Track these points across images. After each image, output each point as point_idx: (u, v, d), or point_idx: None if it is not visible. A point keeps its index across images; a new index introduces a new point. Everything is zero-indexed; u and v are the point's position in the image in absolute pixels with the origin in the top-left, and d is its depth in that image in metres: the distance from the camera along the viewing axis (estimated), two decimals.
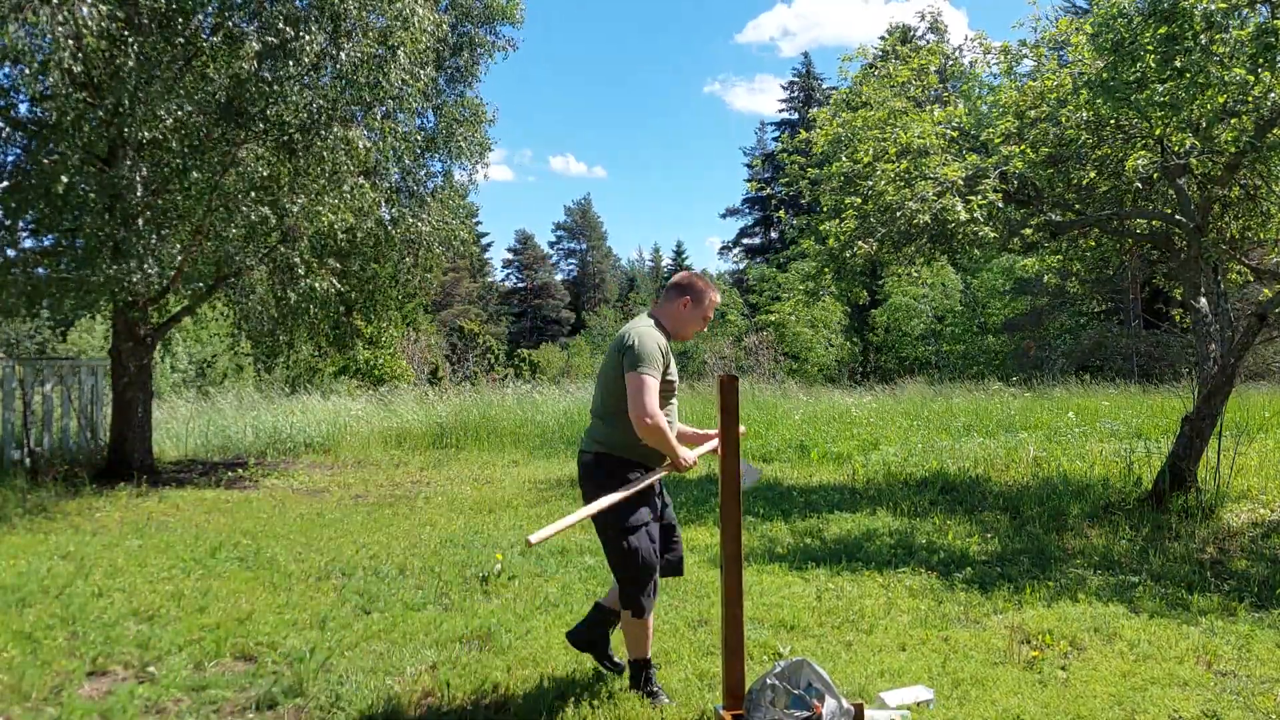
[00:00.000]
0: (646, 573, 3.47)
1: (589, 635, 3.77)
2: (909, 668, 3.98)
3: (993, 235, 7.73)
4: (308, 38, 8.30)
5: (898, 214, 7.70)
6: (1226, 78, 6.25)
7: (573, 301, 68.08)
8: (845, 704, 3.12)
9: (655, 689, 3.61)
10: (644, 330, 3.49)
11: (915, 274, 14.09)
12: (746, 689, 3.21)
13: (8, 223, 9.06)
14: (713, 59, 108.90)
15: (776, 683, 3.11)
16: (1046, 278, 11.40)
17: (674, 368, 3.60)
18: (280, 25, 8.22)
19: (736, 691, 3.22)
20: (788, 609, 4.83)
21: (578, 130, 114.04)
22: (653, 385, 3.36)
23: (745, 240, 58.97)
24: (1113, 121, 7.43)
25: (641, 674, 3.64)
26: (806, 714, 3.04)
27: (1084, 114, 7.36)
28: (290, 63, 8.33)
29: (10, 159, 9.29)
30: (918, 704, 3.55)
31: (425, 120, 11.86)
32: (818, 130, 9.36)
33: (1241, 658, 4.13)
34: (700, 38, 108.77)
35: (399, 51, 9.05)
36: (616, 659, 3.80)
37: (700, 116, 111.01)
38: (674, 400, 3.64)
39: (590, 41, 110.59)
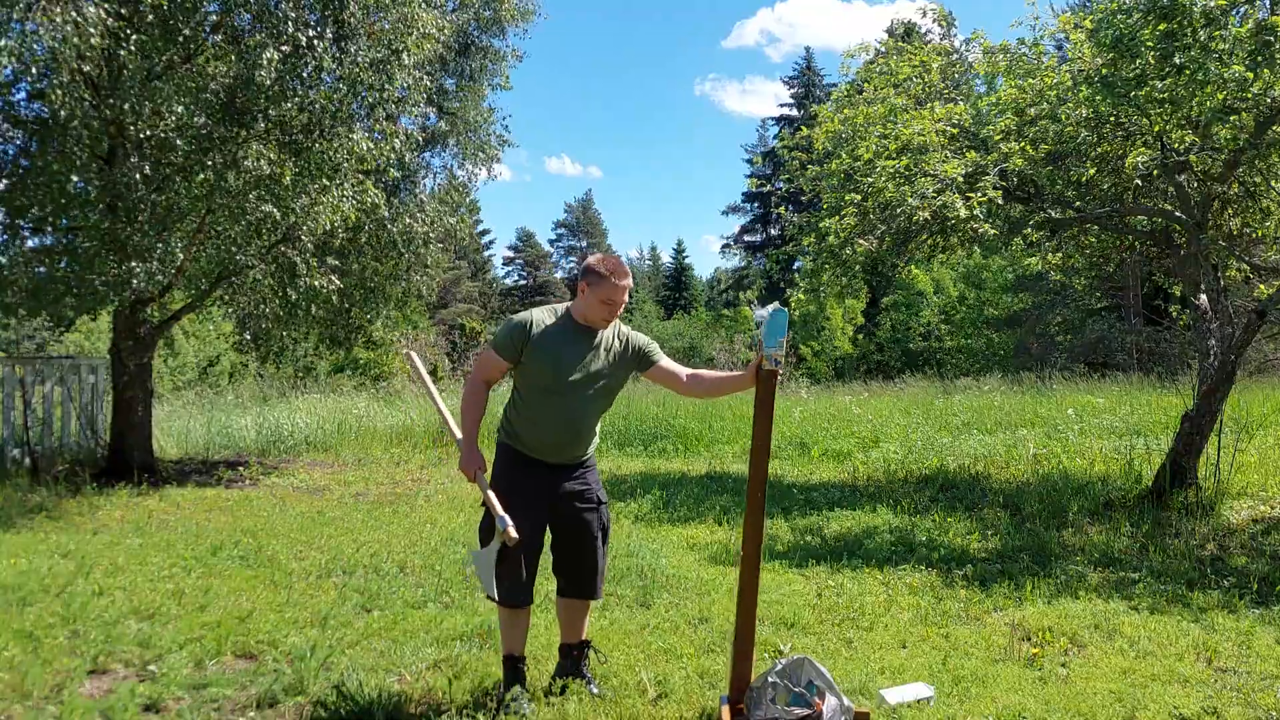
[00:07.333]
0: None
1: None
2: (909, 665, 3.99)
3: (993, 232, 7.73)
4: (321, 46, 8.29)
5: (898, 210, 7.69)
6: (1225, 75, 6.24)
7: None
8: (846, 702, 3.13)
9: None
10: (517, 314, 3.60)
11: (910, 275, 14.07)
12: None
13: (7, 222, 9.04)
14: (702, 62, 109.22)
15: (777, 680, 3.12)
16: (1054, 275, 11.37)
17: (554, 357, 3.42)
18: (292, 31, 8.20)
19: (742, 685, 3.22)
20: (788, 606, 4.84)
21: (571, 131, 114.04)
22: (483, 360, 3.64)
23: (746, 237, 58.94)
24: (1112, 118, 7.42)
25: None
26: (807, 711, 3.04)
27: (1083, 111, 7.36)
28: (304, 69, 8.33)
29: (9, 158, 9.27)
30: (918, 701, 3.55)
31: (429, 120, 11.84)
32: (819, 126, 9.34)
33: (1242, 654, 4.14)
34: (688, 41, 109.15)
35: (403, 55, 9.03)
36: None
37: (693, 118, 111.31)
38: (562, 395, 3.44)
39: (580, 43, 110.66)
